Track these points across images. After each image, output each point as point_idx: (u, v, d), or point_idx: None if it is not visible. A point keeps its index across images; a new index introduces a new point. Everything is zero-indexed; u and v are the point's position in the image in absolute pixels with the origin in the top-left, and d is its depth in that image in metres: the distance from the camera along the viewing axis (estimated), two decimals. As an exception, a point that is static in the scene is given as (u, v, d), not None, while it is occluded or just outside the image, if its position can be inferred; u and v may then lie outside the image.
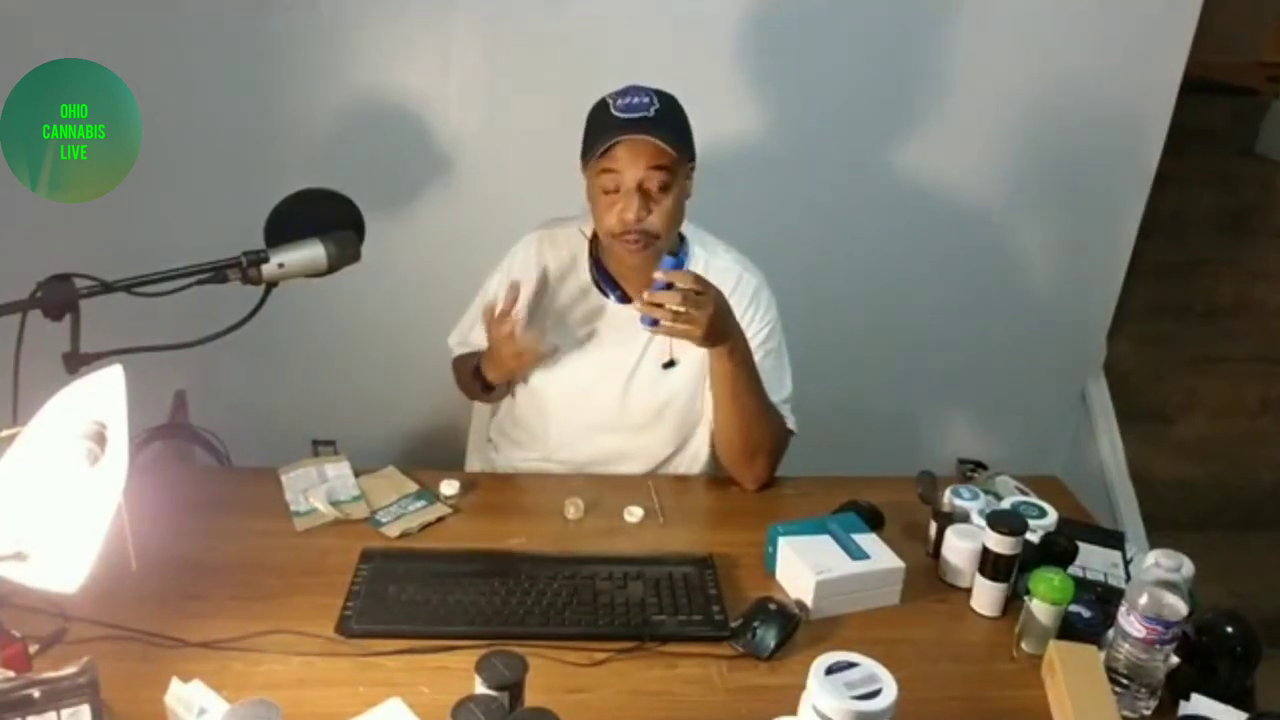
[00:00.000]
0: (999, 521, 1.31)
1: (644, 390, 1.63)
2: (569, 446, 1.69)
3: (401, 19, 2.11)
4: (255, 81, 2.14)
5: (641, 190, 1.46)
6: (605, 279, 1.62)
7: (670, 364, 1.61)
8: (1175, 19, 2.27)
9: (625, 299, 1.61)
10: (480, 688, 1.01)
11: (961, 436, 2.63)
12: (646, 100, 1.46)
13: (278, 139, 2.16)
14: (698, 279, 1.41)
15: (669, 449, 1.68)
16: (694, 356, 1.60)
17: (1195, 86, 2.42)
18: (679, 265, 1.43)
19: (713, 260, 1.63)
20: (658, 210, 1.48)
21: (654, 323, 1.41)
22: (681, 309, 1.38)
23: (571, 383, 1.65)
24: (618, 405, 1.64)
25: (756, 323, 1.61)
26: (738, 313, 1.57)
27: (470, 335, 1.73)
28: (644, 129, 1.43)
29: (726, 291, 1.59)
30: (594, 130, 1.49)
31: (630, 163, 1.45)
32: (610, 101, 1.47)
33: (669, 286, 1.39)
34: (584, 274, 1.63)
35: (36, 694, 0.93)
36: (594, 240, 1.63)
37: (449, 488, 1.54)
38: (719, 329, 1.44)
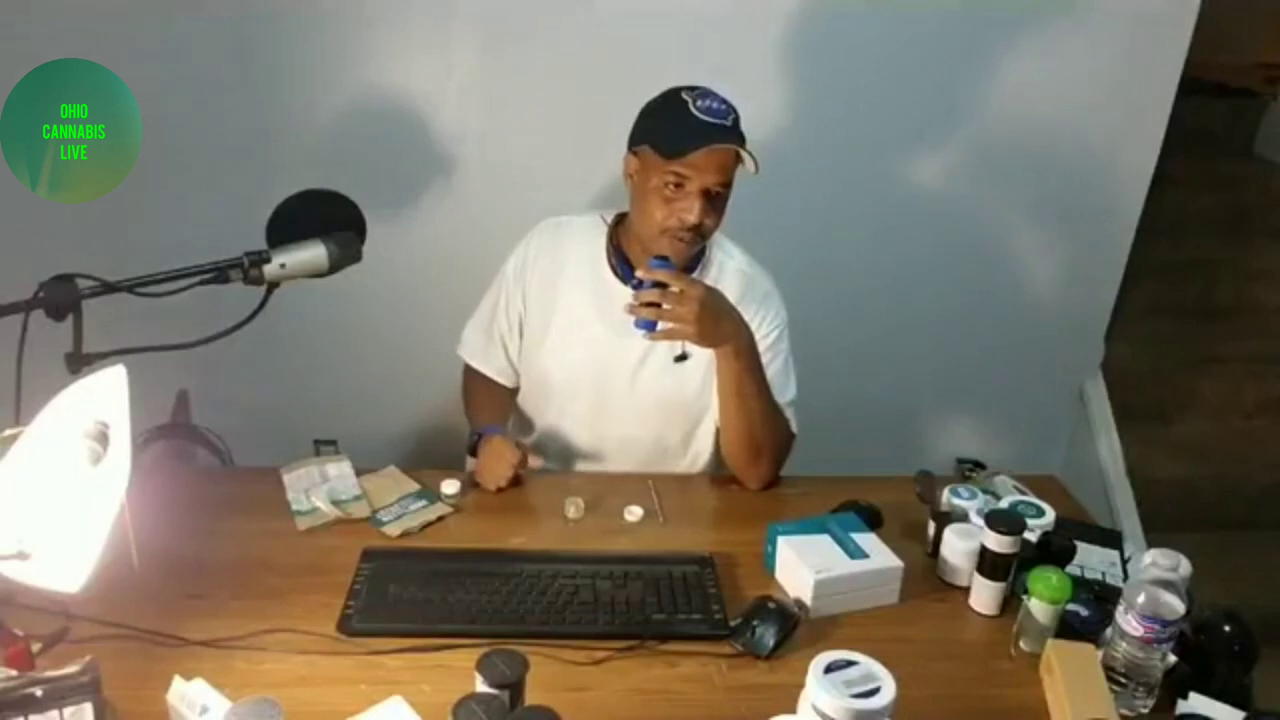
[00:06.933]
0: (997, 521, 1.32)
1: (653, 380, 1.63)
2: (573, 432, 1.69)
3: (401, 19, 2.11)
4: (256, 82, 2.14)
5: (704, 193, 1.47)
6: (625, 266, 1.61)
7: (682, 357, 1.61)
8: (1174, 20, 2.28)
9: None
10: (481, 686, 1.02)
11: (960, 436, 2.63)
12: (725, 108, 1.47)
13: (279, 139, 2.16)
14: (677, 276, 1.43)
15: (673, 439, 1.69)
16: (706, 350, 1.58)
17: (1194, 87, 2.42)
18: (663, 266, 1.45)
19: (726, 262, 1.64)
20: (714, 215, 1.50)
21: (647, 327, 1.44)
22: (666, 306, 1.41)
23: (581, 368, 1.64)
24: (625, 393, 1.64)
25: (766, 325, 1.62)
26: (748, 315, 1.57)
27: (486, 353, 1.73)
28: (728, 138, 1.44)
29: (737, 293, 1.59)
30: (674, 125, 1.46)
31: (709, 168, 1.45)
32: (689, 100, 1.46)
33: (654, 286, 1.42)
34: (600, 260, 1.63)
35: (39, 692, 0.93)
36: (614, 227, 1.63)
37: (450, 487, 1.54)
38: (715, 326, 1.45)
